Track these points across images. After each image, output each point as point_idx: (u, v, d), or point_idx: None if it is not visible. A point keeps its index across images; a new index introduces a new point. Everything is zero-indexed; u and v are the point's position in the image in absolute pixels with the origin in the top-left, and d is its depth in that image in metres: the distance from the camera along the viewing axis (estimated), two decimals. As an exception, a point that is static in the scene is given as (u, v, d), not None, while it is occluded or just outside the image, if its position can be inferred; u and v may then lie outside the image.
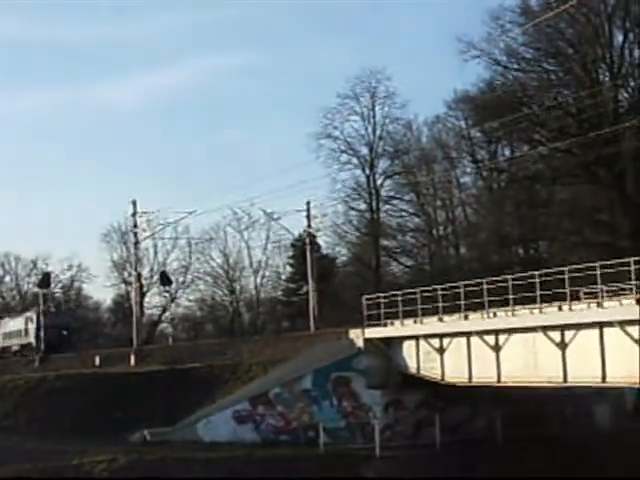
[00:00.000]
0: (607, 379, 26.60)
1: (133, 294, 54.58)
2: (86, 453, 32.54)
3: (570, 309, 27.48)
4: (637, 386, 26.53)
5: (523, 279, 29.42)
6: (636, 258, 25.23)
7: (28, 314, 72.92)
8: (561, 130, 54.96)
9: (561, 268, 27.79)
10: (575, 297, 27.57)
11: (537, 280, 28.41)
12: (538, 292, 28.34)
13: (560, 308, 28.09)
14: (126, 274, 79.62)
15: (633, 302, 25.28)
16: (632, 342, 25.27)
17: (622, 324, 25.50)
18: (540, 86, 57.16)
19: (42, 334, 64.55)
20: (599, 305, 26.52)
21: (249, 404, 35.89)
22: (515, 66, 57.75)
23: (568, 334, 27.82)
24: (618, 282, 26.56)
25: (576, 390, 30.96)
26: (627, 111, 53.87)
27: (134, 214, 55.91)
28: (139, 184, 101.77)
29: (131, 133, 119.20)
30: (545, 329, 28.38)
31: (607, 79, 54.58)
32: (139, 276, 57.06)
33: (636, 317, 24.99)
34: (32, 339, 68.31)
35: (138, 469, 31.40)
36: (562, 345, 27.98)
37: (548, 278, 28.36)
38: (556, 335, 28.12)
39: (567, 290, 27.25)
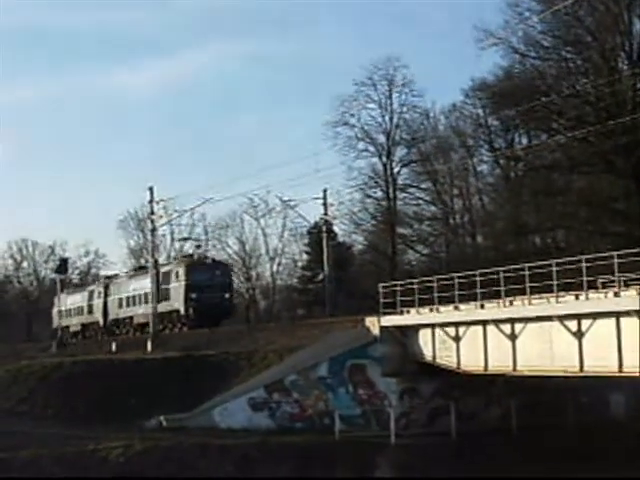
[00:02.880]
0: (623, 369, 26.55)
1: (149, 280, 54.64)
2: (102, 439, 32.67)
3: (587, 298, 27.40)
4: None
5: (540, 268, 29.33)
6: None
7: (168, 268, 56.43)
8: (579, 118, 54.71)
9: (578, 257, 27.71)
10: (592, 286, 27.47)
11: (554, 269, 28.34)
12: (555, 281, 28.27)
13: (577, 297, 28.01)
14: (143, 260, 79.84)
15: (650, 292, 25.19)
16: (649, 332, 25.19)
17: (639, 313, 25.39)
18: (558, 74, 56.90)
19: (194, 297, 51.87)
20: (616, 294, 26.42)
21: (265, 391, 35.96)
22: (533, 54, 57.43)
23: (584, 323, 27.74)
24: (635, 271, 26.43)
25: (592, 379, 30.87)
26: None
27: (151, 201, 55.92)
28: (156, 171, 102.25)
29: (148, 119, 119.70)
30: (561, 318, 28.31)
31: (626, 67, 54.27)
32: (156, 263, 57.21)
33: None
34: (179, 305, 52.82)
35: (154, 455, 31.53)
36: (578, 334, 27.91)
37: (565, 267, 28.28)
38: (572, 324, 28.05)
39: (584, 279, 27.17)
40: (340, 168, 66.89)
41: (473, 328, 32.60)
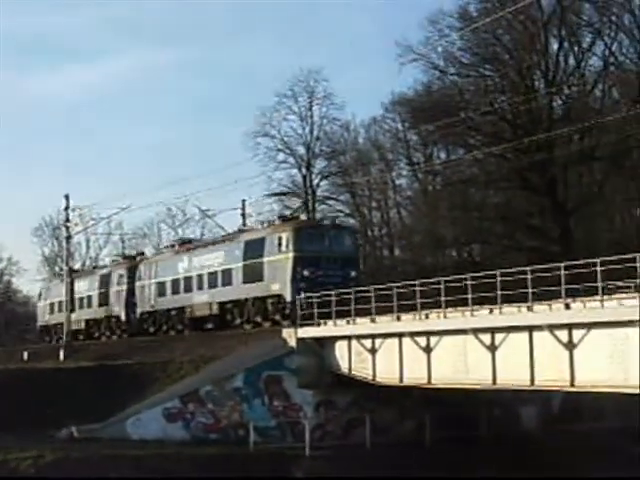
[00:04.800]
0: (535, 382, 26.94)
1: (64, 289, 53.66)
2: (11, 449, 31.95)
3: (500, 312, 27.77)
4: (565, 390, 26.92)
5: (455, 282, 29.64)
6: (567, 263, 25.62)
7: (260, 234, 40.15)
8: (496, 135, 55.71)
9: (493, 272, 28.08)
10: (506, 300, 27.85)
11: (469, 283, 28.66)
12: (470, 295, 28.59)
13: (491, 311, 28.38)
14: (57, 268, 78.68)
15: (562, 307, 25.65)
16: (561, 346, 25.64)
17: (551, 328, 25.84)
18: (476, 91, 57.88)
19: (307, 275, 36.87)
20: (529, 309, 26.84)
21: (179, 402, 35.59)
22: (452, 70, 58.42)
23: (498, 337, 28.10)
24: (548, 286, 26.88)
25: (505, 393, 31.28)
26: (560, 118, 54.77)
27: (67, 208, 55.11)
28: (73, 178, 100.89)
29: (66, 126, 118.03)
30: (476, 332, 28.64)
31: (542, 86, 55.41)
32: (70, 271, 56.30)
33: (565, 321, 25.38)
34: (281, 287, 37.40)
35: (65, 466, 30.97)
36: (492, 348, 28.26)
37: (480, 281, 28.64)
38: (486, 338, 28.39)
39: (498, 293, 27.55)
40: (260, 179, 67.03)
41: (389, 340, 32.79)
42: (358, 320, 34.18)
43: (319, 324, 35.93)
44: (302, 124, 67.95)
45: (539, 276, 26.65)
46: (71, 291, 53.24)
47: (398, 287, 32.27)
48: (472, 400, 34.00)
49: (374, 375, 33.57)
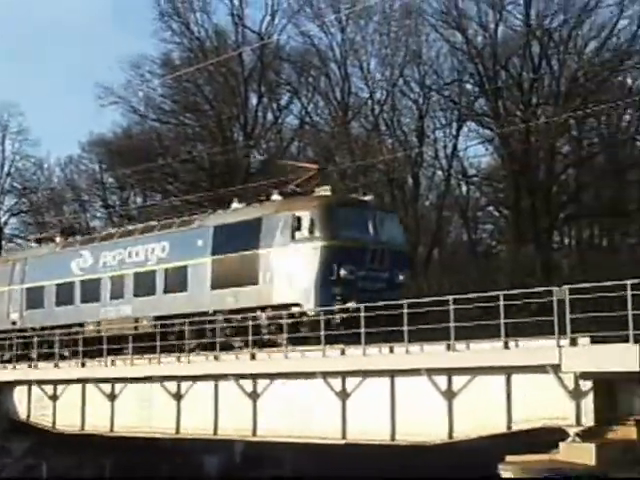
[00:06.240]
0: (219, 431, 27.12)
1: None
2: None
3: (189, 361, 27.77)
4: (247, 439, 27.29)
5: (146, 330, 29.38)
6: (254, 314, 26.08)
7: (260, 212, 27.73)
8: (193, 183, 56.25)
9: (181, 320, 28.11)
10: (191, 350, 27.96)
11: (158, 330, 28.53)
12: (158, 343, 28.40)
13: (179, 360, 28.30)
14: None
15: (248, 357, 26.06)
16: (245, 396, 25.99)
17: (237, 378, 26.17)
18: (176, 138, 58.32)
19: (345, 275, 24.62)
20: (216, 358, 27.05)
21: None
22: (152, 116, 58.56)
23: (184, 386, 28.09)
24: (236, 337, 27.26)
25: (190, 442, 31.23)
26: (258, 171, 56.24)
27: None
28: None
29: None
30: (162, 380, 28.47)
31: (241, 138, 56.72)
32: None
33: (250, 371, 25.84)
34: (301, 295, 25.07)
35: None
36: (177, 396, 28.20)
37: (169, 329, 28.58)
38: (172, 386, 28.29)
39: (186, 342, 27.65)
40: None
41: (72, 386, 31.87)
42: (40, 364, 33.03)
43: (-2, 368, 34.41)
44: (-7, 159, 65.54)
45: (229, 326, 26.99)
46: None
47: (84, 333, 31.58)
48: (155, 448, 33.71)
49: (54, 422, 32.49)
